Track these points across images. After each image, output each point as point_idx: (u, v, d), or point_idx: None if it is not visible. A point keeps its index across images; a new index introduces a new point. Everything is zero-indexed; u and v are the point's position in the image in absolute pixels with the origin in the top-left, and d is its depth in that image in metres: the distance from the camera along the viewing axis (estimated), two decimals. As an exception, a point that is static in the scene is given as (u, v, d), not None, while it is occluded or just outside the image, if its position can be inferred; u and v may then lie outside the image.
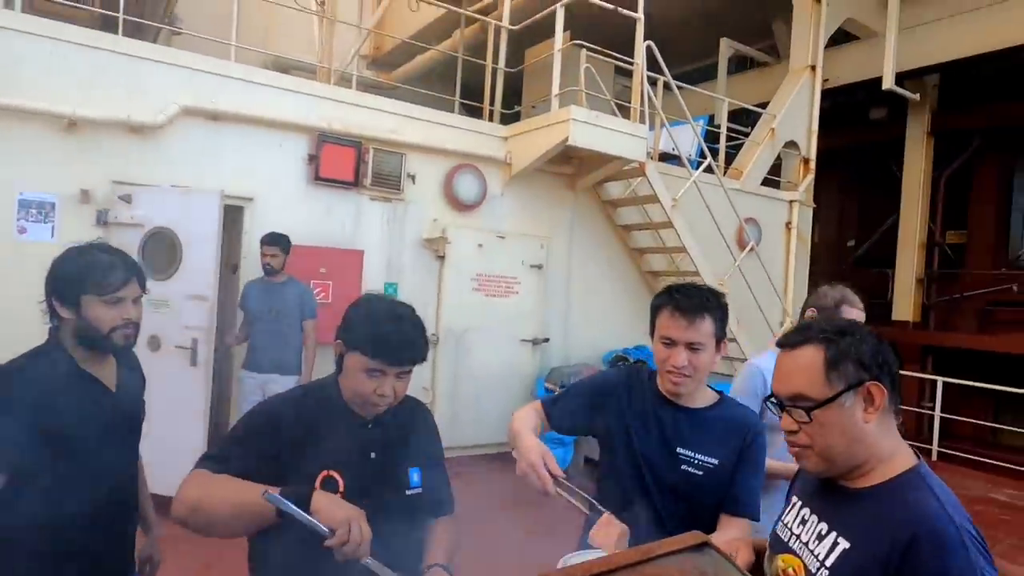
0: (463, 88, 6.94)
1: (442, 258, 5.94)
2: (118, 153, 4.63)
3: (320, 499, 1.30)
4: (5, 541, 1.57)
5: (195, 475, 1.40)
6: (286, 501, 1.26)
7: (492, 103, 6.71)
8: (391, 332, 1.45)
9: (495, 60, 6.81)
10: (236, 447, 1.46)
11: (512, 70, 6.85)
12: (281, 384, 4.42)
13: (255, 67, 5.43)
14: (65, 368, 1.64)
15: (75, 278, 1.63)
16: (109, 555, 1.76)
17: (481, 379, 6.03)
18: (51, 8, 5.49)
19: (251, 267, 4.86)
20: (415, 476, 1.57)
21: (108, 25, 5.37)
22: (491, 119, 6.58)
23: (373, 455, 1.51)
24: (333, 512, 1.27)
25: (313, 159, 5.35)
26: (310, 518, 1.26)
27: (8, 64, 4.29)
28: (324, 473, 1.44)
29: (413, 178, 5.85)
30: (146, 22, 6.27)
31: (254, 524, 1.33)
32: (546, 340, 6.47)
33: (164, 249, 4.36)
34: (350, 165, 5.47)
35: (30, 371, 1.60)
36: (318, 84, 5.77)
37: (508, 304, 6.21)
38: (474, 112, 6.85)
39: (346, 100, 5.60)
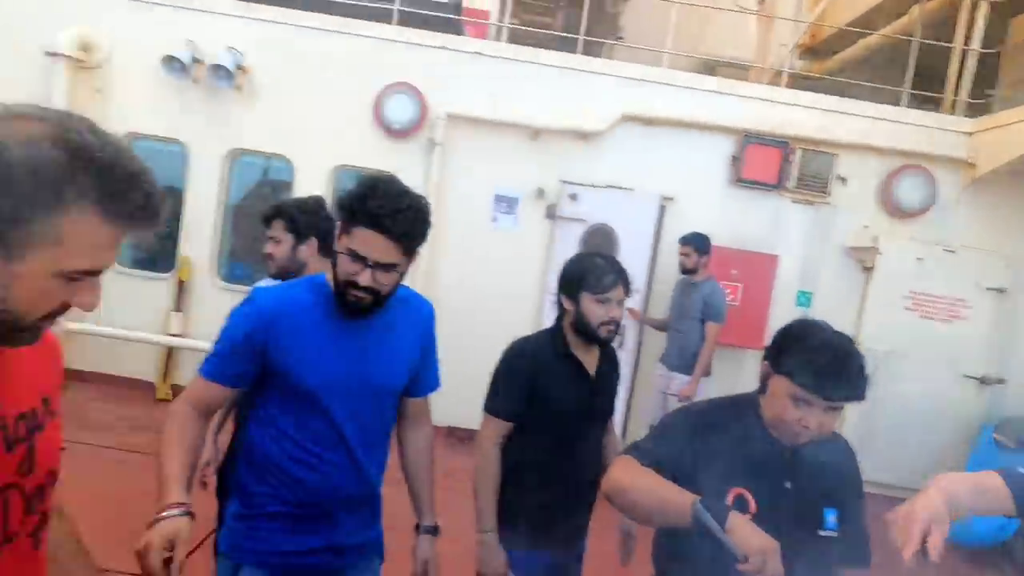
0: (914, 75, 6.02)
1: (869, 270, 5.31)
2: (567, 157, 5.35)
3: (736, 521, 1.28)
4: (514, 482, 2.01)
5: (625, 460, 1.50)
6: (709, 517, 1.28)
7: (957, 91, 5.66)
8: (828, 364, 1.36)
9: (967, 39, 5.70)
10: (659, 444, 1.52)
11: (988, 51, 5.65)
12: (677, 382, 4.55)
13: (686, 72, 5.63)
14: (560, 348, 2.04)
15: (577, 278, 2.00)
16: (569, 521, 2.09)
17: (902, 413, 5.22)
18: (525, 35, 6.61)
19: (666, 263, 5.11)
20: (831, 517, 1.47)
21: (565, 43, 6.21)
22: (952, 110, 5.57)
23: (788, 484, 1.45)
24: (749, 538, 1.25)
25: (736, 160, 5.32)
26: (727, 538, 1.26)
27: (496, 85, 5.32)
28: (736, 491, 1.42)
29: (843, 180, 5.35)
30: (598, 40, 7.05)
31: (668, 522, 1.41)
32: (1001, 381, 5.26)
33: (602, 242, 4.92)
34: (774, 166, 5.28)
35: (534, 343, 2.07)
36: (745, 84, 5.69)
37: (950, 331, 5.24)
38: (925, 103, 5.89)
39: (774, 99, 5.41)
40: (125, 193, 0.77)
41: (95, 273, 0.81)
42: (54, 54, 4.97)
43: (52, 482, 0.94)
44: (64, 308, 0.82)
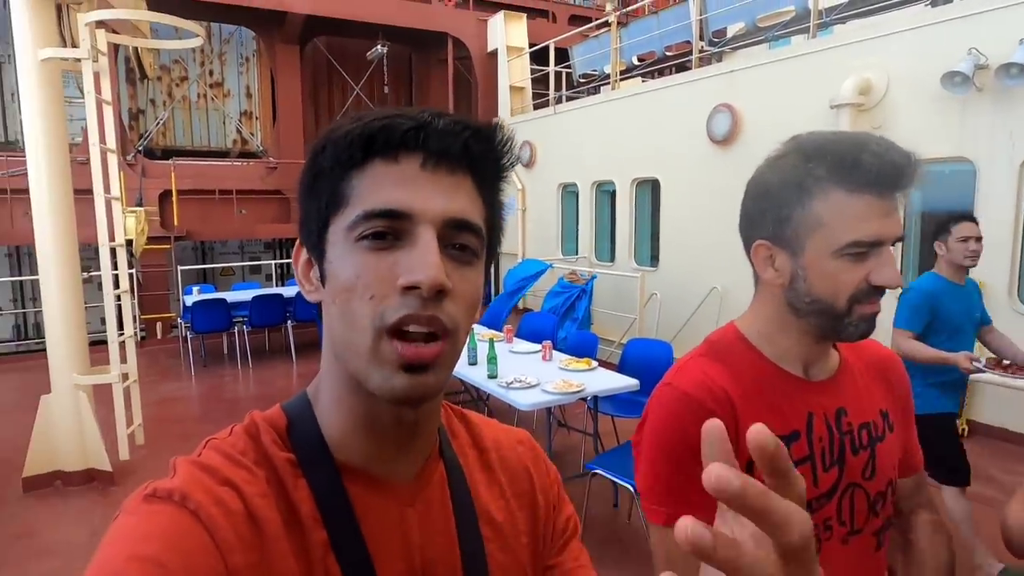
0: None
1: None
2: None
3: None
4: None
5: None
6: None
7: None
8: None
9: None
10: None
11: None
12: None
13: None
14: None
15: None
16: None
17: None
18: None
19: None
20: None
21: None
22: None
23: None
24: None
25: None
26: None
27: None
28: None
29: None
30: None
31: None
32: None
33: None
34: None
35: None
36: None
37: None
38: None
39: None
40: (854, 161, 0.86)
41: (873, 245, 0.88)
42: (838, 105, 5.49)
43: (892, 490, 1.03)
44: (873, 290, 0.89)
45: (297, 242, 0.62)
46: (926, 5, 6.05)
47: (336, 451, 0.61)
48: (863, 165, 0.85)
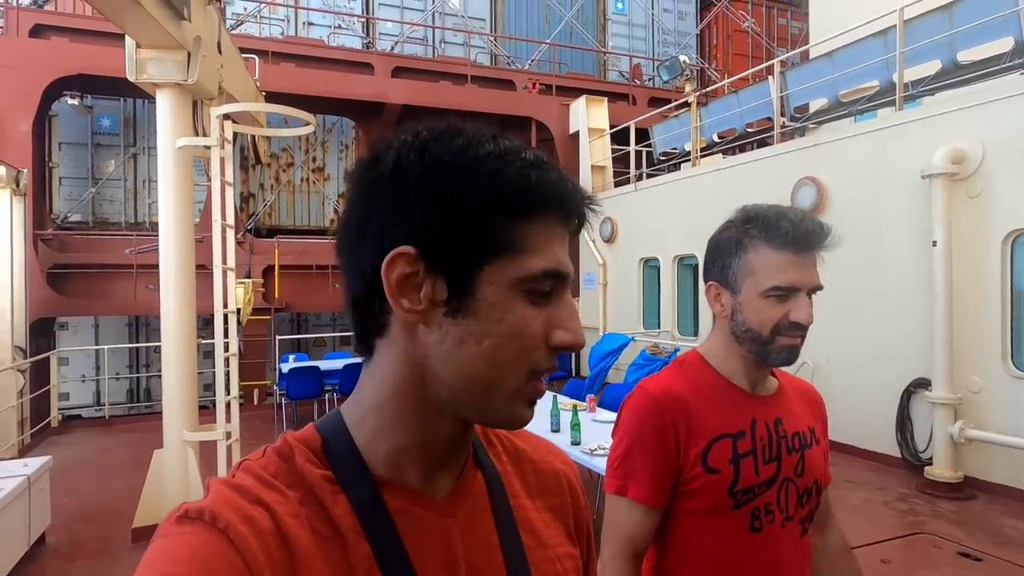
0: None
1: None
2: None
3: None
4: None
5: None
6: None
7: None
8: None
9: None
10: None
11: None
12: None
13: None
14: None
15: None
16: None
17: None
18: None
19: None
20: None
21: None
22: None
23: None
24: None
25: None
26: None
27: None
28: None
29: None
30: None
31: None
32: None
33: None
34: None
35: None
36: None
37: None
38: None
39: None
40: (776, 225, 1.16)
41: (790, 290, 1.15)
42: (930, 175, 5.36)
43: (818, 489, 1.26)
44: (792, 325, 1.16)
45: (395, 251, 0.57)
46: (1021, 74, 5.92)
47: (374, 466, 0.62)
48: (782, 229, 1.15)
